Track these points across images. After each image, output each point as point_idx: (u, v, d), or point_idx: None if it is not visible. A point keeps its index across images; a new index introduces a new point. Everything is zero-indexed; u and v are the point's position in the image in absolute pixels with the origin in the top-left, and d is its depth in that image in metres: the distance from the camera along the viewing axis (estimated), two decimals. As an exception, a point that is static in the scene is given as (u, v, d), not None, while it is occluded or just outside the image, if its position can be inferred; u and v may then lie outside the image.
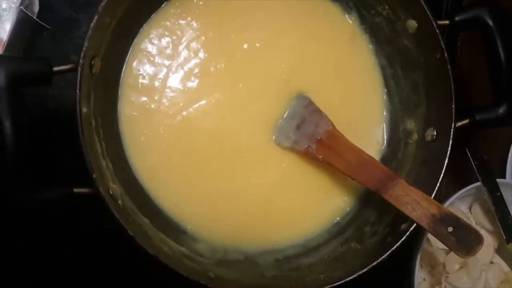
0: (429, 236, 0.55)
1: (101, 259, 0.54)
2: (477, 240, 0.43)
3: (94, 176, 0.41)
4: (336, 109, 0.52)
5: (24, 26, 0.52)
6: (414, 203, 0.45)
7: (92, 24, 0.41)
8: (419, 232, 0.53)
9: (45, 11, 0.54)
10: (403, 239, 0.45)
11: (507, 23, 0.47)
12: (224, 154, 0.51)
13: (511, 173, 0.62)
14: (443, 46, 0.47)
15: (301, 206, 0.53)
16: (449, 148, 0.47)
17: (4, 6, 0.50)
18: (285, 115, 0.52)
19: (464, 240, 0.43)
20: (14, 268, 0.53)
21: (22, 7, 0.50)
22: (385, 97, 0.55)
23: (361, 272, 0.44)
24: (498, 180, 0.56)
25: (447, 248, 0.56)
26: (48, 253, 0.54)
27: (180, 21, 0.51)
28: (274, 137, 0.52)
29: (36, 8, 0.53)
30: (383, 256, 0.44)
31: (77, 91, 0.40)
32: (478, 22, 0.48)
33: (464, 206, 0.61)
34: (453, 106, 0.47)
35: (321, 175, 0.52)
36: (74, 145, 0.40)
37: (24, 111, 0.47)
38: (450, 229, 0.43)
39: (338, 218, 0.53)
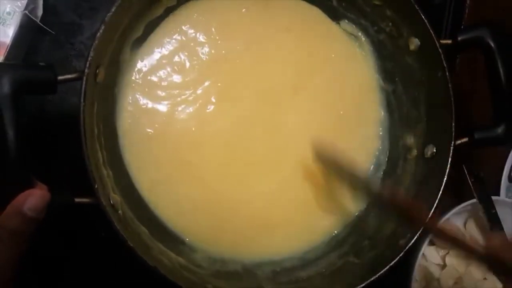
0: (425, 251, 0.56)
1: (98, 267, 0.54)
2: None
3: (96, 186, 0.40)
4: (338, 122, 0.53)
5: (27, 30, 0.51)
6: None
7: (98, 34, 0.41)
8: (416, 248, 0.53)
9: (49, 15, 0.53)
10: (401, 254, 0.45)
11: (507, 45, 0.48)
12: (222, 167, 0.51)
13: (506, 191, 0.62)
14: (444, 65, 0.47)
15: (299, 219, 0.53)
16: (448, 166, 0.47)
17: (8, 10, 0.50)
18: None
19: None
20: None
21: (26, 11, 0.50)
22: (385, 113, 0.55)
23: (359, 287, 0.44)
24: (493, 197, 0.57)
25: (442, 264, 0.57)
26: (43, 261, 0.53)
27: (182, 36, 0.51)
28: None
29: (40, 12, 0.53)
30: (381, 272, 0.44)
31: (81, 100, 0.40)
32: (480, 43, 0.48)
33: (460, 221, 0.61)
34: (453, 124, 0.47)
35: (320, 188, 0.52)
36: (75, 153, 0.40)
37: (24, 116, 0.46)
38: None
39: (336, 232, 0.53)
